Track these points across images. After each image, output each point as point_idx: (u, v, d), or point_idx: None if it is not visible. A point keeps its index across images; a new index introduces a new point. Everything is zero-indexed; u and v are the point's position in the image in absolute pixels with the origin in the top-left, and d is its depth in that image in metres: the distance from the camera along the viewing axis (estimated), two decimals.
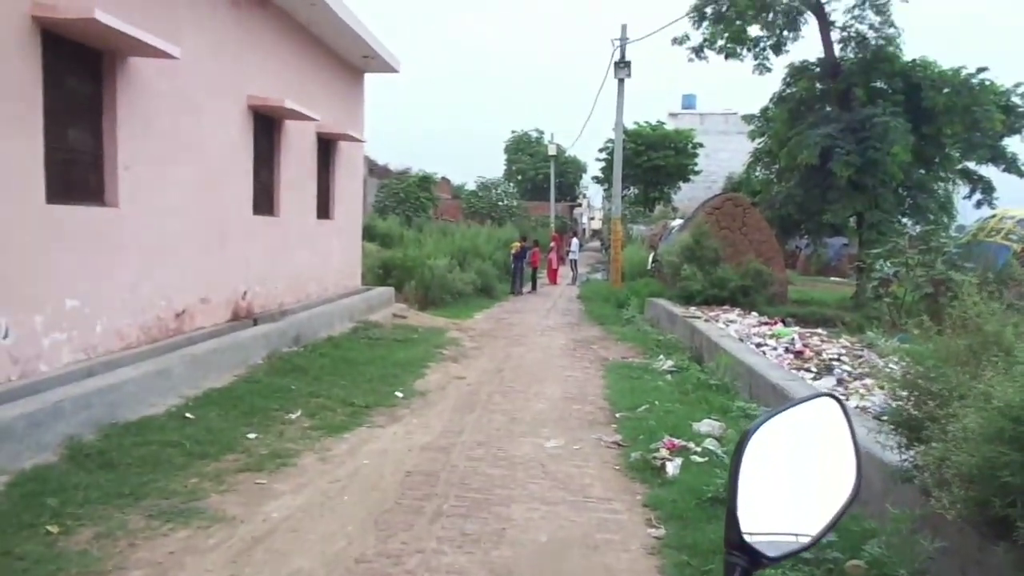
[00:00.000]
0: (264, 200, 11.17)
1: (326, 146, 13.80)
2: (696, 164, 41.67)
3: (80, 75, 7.05)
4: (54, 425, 5.58)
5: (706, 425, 7.19)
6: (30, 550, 4.14)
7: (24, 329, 6.16)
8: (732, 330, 12.14)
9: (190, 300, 8.94)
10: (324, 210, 13.89)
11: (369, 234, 21.72)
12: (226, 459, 5.94)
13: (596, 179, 48.85)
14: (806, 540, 1.26)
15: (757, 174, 24.89)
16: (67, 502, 4.76)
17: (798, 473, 1.28)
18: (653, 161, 39.86)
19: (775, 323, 13.50)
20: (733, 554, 1.19)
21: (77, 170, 7.06)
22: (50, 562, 4.04)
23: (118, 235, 7.47)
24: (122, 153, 7.43)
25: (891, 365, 7.22)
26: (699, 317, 13.40)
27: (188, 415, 6.84)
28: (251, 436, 6.57)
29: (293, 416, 7.30)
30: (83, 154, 7.14)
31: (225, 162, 9.75)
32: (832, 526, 1.27)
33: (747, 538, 1.19)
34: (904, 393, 4.67)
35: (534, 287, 24.86)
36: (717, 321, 13.19)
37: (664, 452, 6.38)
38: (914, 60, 19.38)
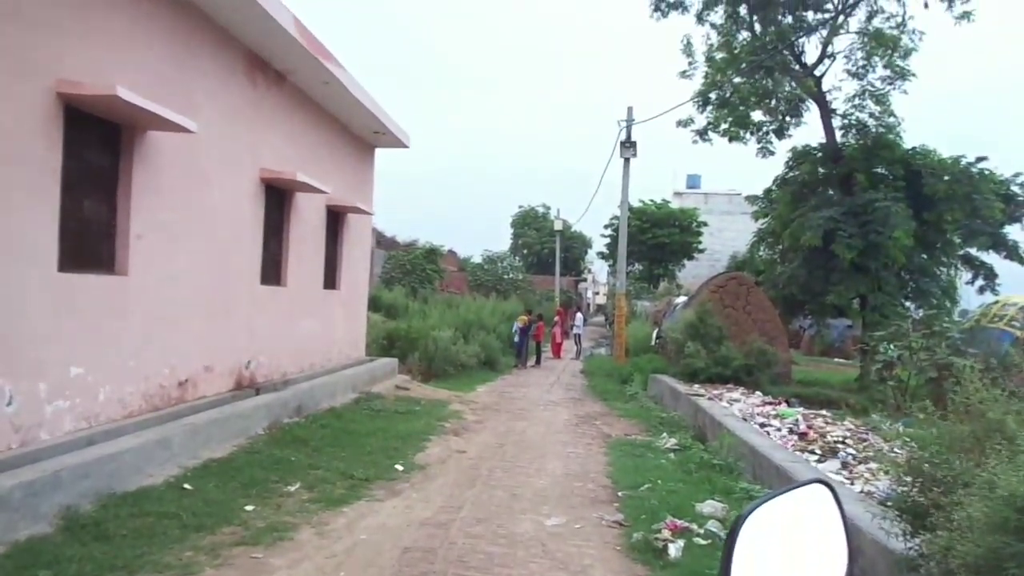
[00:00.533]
0: (272, 270, 11.30)
1: (335, 218, 14.03)
2: (700, 242, 42.16)
3: (99, 148, 7.25)
4: (52, 495, 5.54)
5: (709, 506, 7.10)
6: None
7: (28, 396, 6.18)
8: (736, 409, 12.06)
9: (194, 368, 8.96)
10: (331, 280, 14.03)
11: (375, 304, 21.84)
12: (223, 532, 5.86)
13: (601, 255, 49.52)
14: None
15: (761, 253, 25.15)
16: (60, 574, 4.69)
17: (791, 559, 1.29)
18: (658, 238, 40.39)
19: (779, 403, 13.42)
20: None
21: (90, 239, 7.19)
22: None
23: (125, 303, 7.54)
24: (135, 223, 7.58)
25: (895, 450, 7.16)
26: (703, 395, 13.34)
27: (186, 486, 6.77)
28: (249, 508, 6.49)
29: (292, 488, 7.22)
30: (97, 224, 7.28)
31: (236, 232, 9.92)
32: None
33: None
34: (909, 479, 4.63)
35: (538, 361, 24.82)
36: (721, 400, 13.12)
37: (666, 533, 6.28)
38: (914, 148, 19.81)
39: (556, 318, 29.74)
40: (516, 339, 23.82)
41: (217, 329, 9.51)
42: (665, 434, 11.30)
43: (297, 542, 5.86)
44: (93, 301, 7.05)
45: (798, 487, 1.35)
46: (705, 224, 42.54)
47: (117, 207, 7.48)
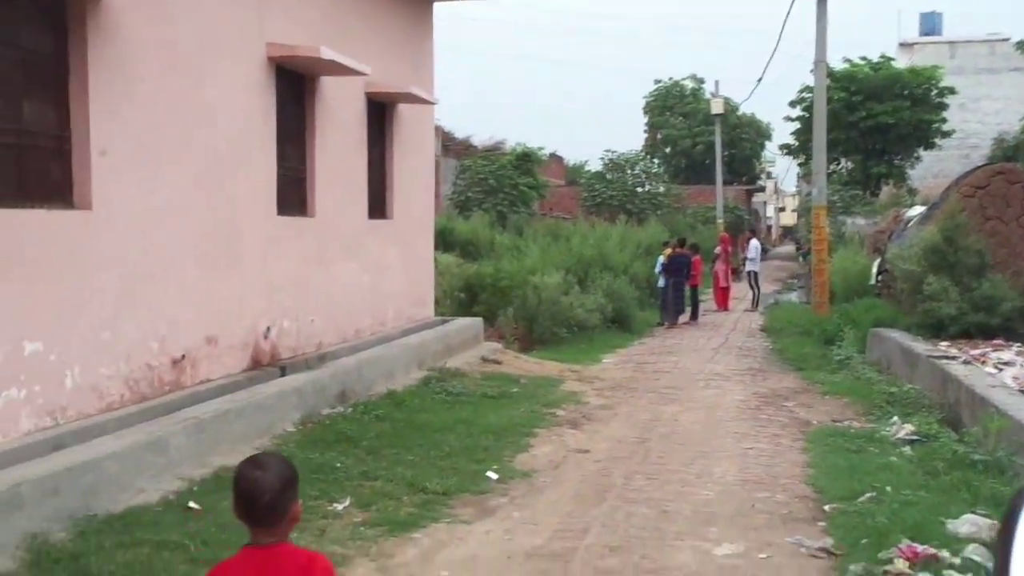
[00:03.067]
0: (293, 194, 11.61)
1: (380, 112, 14.22)
2: (945, 120, 40.63)
3: (38, 26, 7.56)
4: (10, 518, 5.94)
5: (968, 524, 6.98)
6: None
7: None
8: (1008, 377, 11.74)
9: (192, 340, 9.37)
10: (379, 206, 14.31)
11: (446, 240, 22.16)
12: None
13: (786, 148, 48.45)
14: None
15: None
16: None
17: None
18: (877, 118, 39.14)
19: None
20: None
21: (34, 160, 7.55)
22: None
23: (91, 248, 7.91)
24: (96, 134, 7.89)
25: None
26: (955, 357, 13.01)
27: (192, 505, 7.13)
28: None
29: (340, 506, 7.50)
30: (42, 137, 7.64)
31: (238, 142, 10.19)
32: None
33: None
34: None
35: (695, 315, 24.67)
36: (984, 363, 12.77)
37: (901, 564, 6.24)
38: None
39: (718, 250, 29.36)
40: (660, 283, 23.73)
41: (220, 282, 9.88)
42: (896, 418, 11.11)
43: None
44: (46, 247, 7.42)
45: None
46: (952, 91, 40.84)
47: (70, 112, 7.80)
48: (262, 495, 2.89)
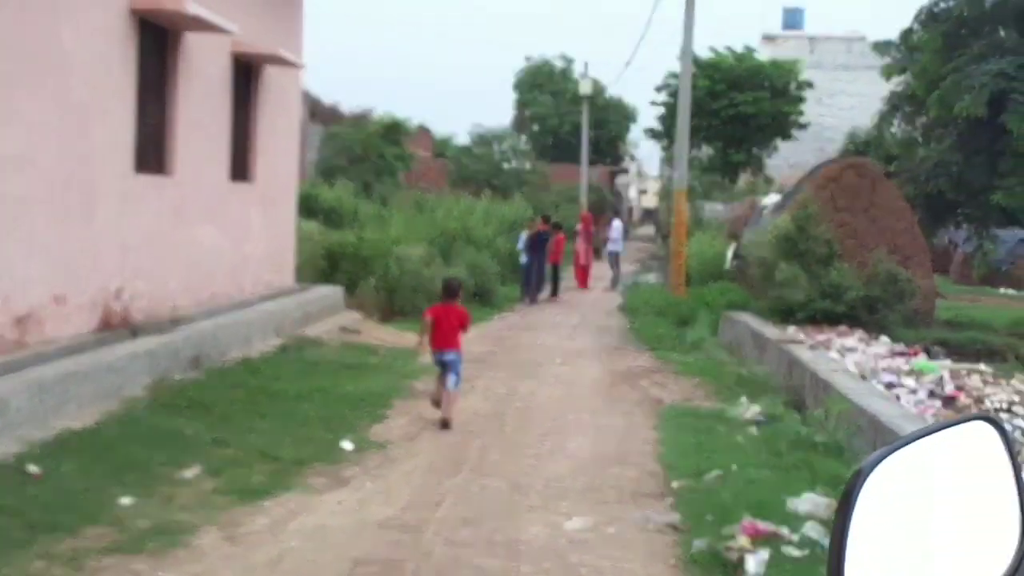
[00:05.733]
0: (152, 150, 11.27)
1: (246, 72, 13.92)
2: (802, 113, 41.78)
3: None
4: None
5: (808, 502, 7.19)
6: None
7: None
8: (850, 362, 12.15)
9: (38, 298, 9.01)
10: (241, 168, 14.03)
11: (309, 207, 21.82)
12: (88, 534, 5.98)
13: (651, 132, 49.09)
14: None
15: (894, 130, 24.91)
16: None
17: (935, 528, 1.31)
18: (738, 107, 39.97)
19: (915, 354, 13.50)
20: None
21: None
22: None
23: None
24: None
25: None
26: (801, 342, 13.42)
27: (31, 468, 6.87)
28: (125, 501, 6.61)
29: (189, 474, 7.35)
30: None
31: (95, 93, 9.84)
32: None
33: None
34: None
35: (555, 292, 24.87)
36: (829, 349, 13.20)
37: (743, 540, 6.38)
38: None
39: (580, 229, 29.60)
40: (523, 260, 23.82)
41: (71, 240, 9.54)
42: (744, 399, 11.38)
43: (197, 550, 5.98)
44: None
45: (950, 425, 1.35)
46: (810, 85, 42.09)
47: None
48: (454, 283, 10.77)
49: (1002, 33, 20.32)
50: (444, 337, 10.09)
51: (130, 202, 10.65)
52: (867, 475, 1.25)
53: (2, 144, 8.31)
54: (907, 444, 1.30)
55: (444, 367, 10.05)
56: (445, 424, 9.67)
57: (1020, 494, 1.34)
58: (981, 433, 1.36)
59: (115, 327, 10.29)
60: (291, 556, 6.03)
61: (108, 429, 8.09)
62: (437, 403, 9.95)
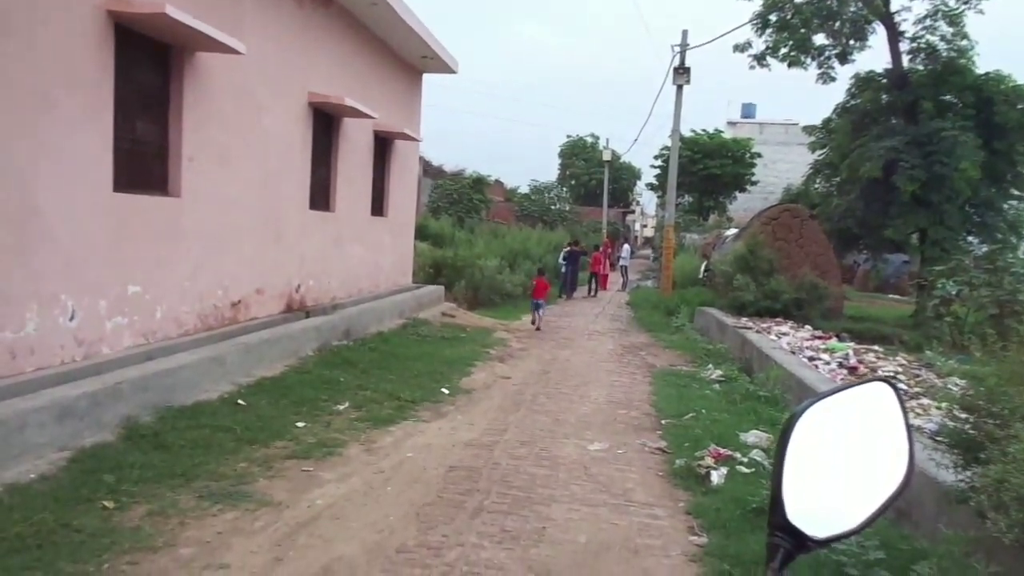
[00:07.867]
0: (321, 196, 11.38)
1: (383, 144, 13.99)
2: (753, 174, 41.12)
3: (149, 68, 7.29)
4: (113, 406, 5.78)
5: (753, 436, 7.10)
6: (87, 523, 4.30)
7: (89, 312, 6.40)
8: (784, 343, 11.94)
9: (246, 291, 9.16)
10: (379, 207, 14.08)
11: (421, 233, 21.92)
12: (275, 446, 6.08)
13: (650, 186, 48.67)
14: (853, 525, 1.24)
15: (816, 186, 24.40)
16: (123, 479, 4.93)
17: (847, 458, 1.27)
18: (709, 170, 39.47)
19: (829, 337, 13.22)
20: (777, 535, 1.18)
21: (143, 161, 7.30)
22: (105, 536, 4.19)
23: (179, 225, 7.69)
24: (186, 145, 7.66)
25: (950, 385, 7.02)
26: (750, 328, 13.21)
27: (240, 402, 7.02)
28: (299, 425, 6.71)
29: (341, 407, 7.43)
30: (149, 145, 7.38)
31: (285, 157, 9.96)
32: (880, 514, 1.26)
33: (792, 520, 1.18)
34: (963, 415, 4.55)
35: (592, 292, 24.49)
36: (769, 333, 12.97)
37: (709, 460, 6.31)
38: (987, 73, 18.78)
39: (601, 249, 29.43)
40: (562, 269, 23.73)
41: (268, 253, 9.67)
42: (711, 365, 11.27)
43: (345, 457, 6.05)
44: (148, 222, 7.20)
45: (858, 384, 1.32)
46: (759, 155, 41.39)
47: (168, 129, 7.56)
48: (544, 269, 15.87)
49: (893, 121, 19.82)
50: (537, 292, 14.99)
51: (306, 229, 10.76)
52: (798, 418, 1.22)
53: (224, 192, 8.46)
54: (827, 397, 1.27)
55: (537, 307, 14.86)
56: (538, 328, 14.58)
57: (908, 434, 1.31)
58: (881, 391, 1.33)
59: (295, 310, 10.43)
60: (408, 463, 6.07)
61: (289, 377, 8.21)
62: (534, 323, 14.87)
